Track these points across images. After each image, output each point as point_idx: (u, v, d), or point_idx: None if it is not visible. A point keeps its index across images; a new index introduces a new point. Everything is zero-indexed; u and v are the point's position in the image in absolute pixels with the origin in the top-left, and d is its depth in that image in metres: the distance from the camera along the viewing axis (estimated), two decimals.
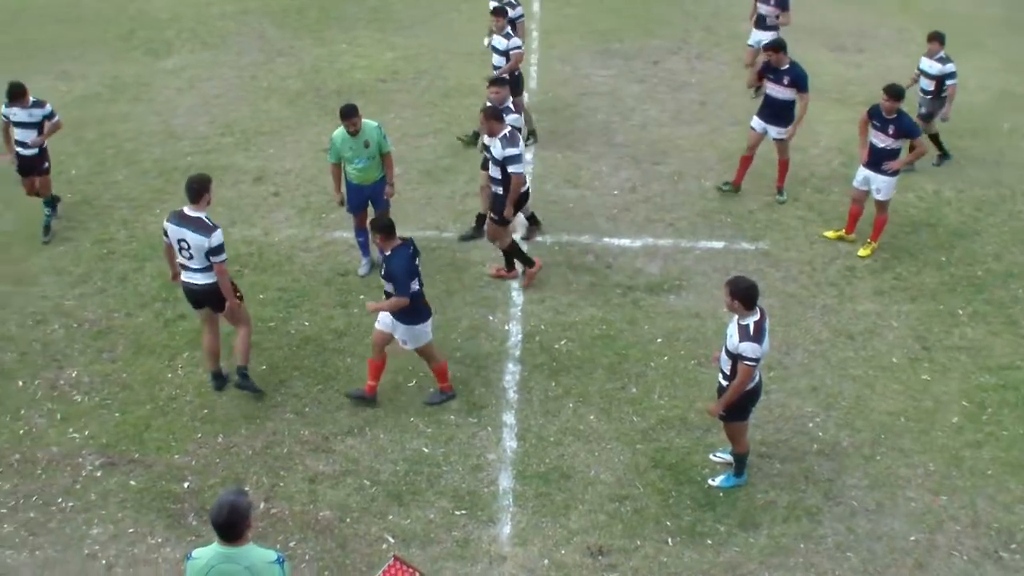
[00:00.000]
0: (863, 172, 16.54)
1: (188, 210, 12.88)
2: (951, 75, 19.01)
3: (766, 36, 21.03)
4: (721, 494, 12.12)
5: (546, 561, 11.29)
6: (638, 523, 11.76)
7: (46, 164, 17.26)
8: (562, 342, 14.74)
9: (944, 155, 20.00)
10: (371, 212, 15.72)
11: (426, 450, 12.83)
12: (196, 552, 7.95)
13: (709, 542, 11.53)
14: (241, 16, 28.05)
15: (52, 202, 17.56)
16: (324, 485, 12.28)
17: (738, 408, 11.65)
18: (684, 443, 12.89)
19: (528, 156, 16.86)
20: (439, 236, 17.31)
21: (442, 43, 25.76)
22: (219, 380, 13.96)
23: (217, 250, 12.78)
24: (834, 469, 12.53)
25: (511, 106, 16.40)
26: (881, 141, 16.25)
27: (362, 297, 15.66)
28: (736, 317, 11.23)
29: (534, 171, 19.46)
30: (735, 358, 11.21)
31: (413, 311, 12.98)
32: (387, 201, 16.12)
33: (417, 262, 13.03)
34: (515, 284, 15.99)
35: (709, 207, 18.17)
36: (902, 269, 16.42)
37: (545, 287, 15.93)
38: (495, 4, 20.00)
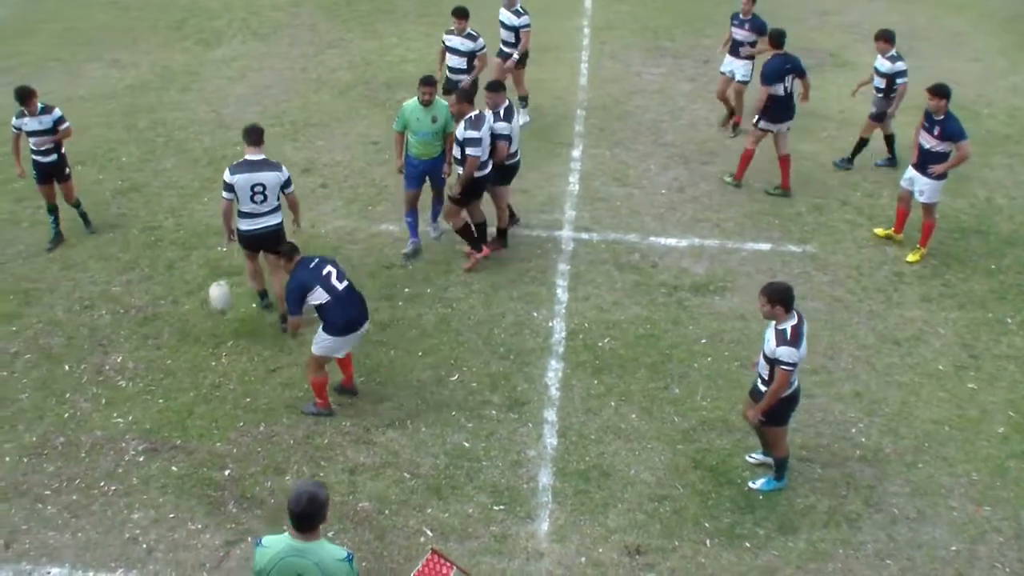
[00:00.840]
0: (910, 172, 16.45)
1: (252, 155, 14.07)
2: (901, 73, 18.82)
3: (740, 65, 20.47)
4: (761, 497, 12.06)
5: (583, 559, 11.27)
6: (677, 524, 11.72)
7: (67, 170, 16.81)
8: (605, 340, 14.72)
9: (892, 158, 19.86)
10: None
11: (467, 444, 12.84)
12: (267, 540, 7.94)
13: (747, 545, 11.48)
14: (292, 7, 28.14)
15: (79, 203, 17.25)
16: (364, 476, 12.31)
17: (778, 414, 11.59)
18: (725, 445, 12.84)
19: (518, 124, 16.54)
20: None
21: (491, 38, 25.73)
22: (265, 298, 15.27)
23: (288, 182, 14.28)
24: (876, 475, 12.45)
25: (500, 112, 16.10)
26: (927, 142, 16.13)
27: (407, 290, 15.69)
28: (773, 322, 11.18)
29: (581, 168, 19.46)
30: (772, 363, 11.16)
31: (323, 320, 12.80)
32: (443, 179, 16.69)
33: (327, 271, 12.62)
34: (560, 282, 15.98)
35: (756, 208, 18.08)
36: (951, 276, 16.28)
37: (590, 285, 15.91)
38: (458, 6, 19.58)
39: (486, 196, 16.37)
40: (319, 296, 12.48)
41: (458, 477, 12.33)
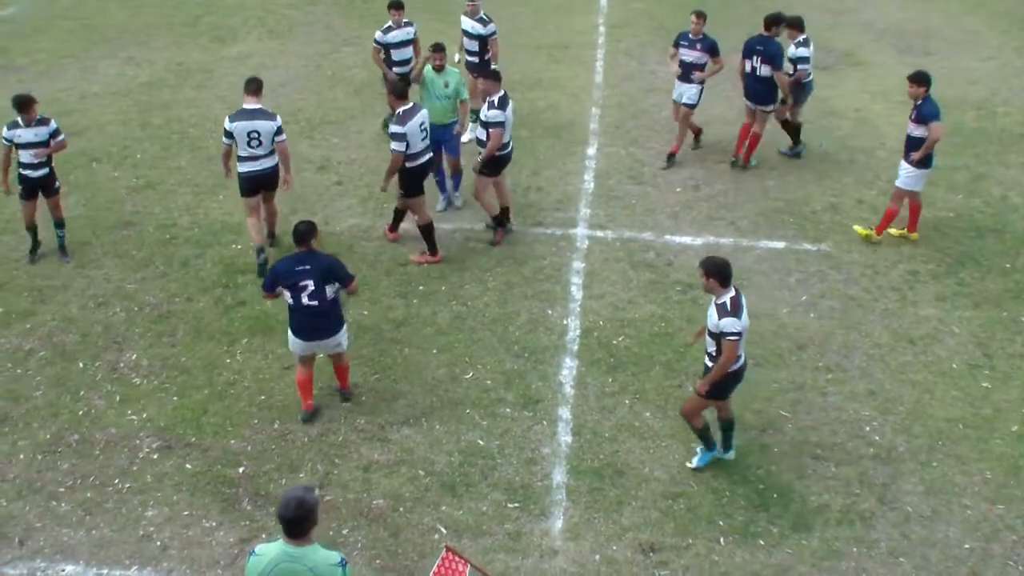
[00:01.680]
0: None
1: (250, 104, 15.57)
2: (803, 59, 19.15)
3: (690, 89, 19.27)
4: (775, 495, 12.05)
5: (597, 557, 11.27)
6: (691, 521, 11.71)
7: (57, 184, 16.26)
8: (620, 338, 14.72)
9: (796, 145, 20.16)
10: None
11: (481, 442, 12.84)
12: (260, 548, 7.96)
13: (761, 543, 11.47)
14: (308, 5, 28.23)
15: (63, 223, 16.59)
16: (378, 474, 12.32)
17: (721, 387, 11.84)
18: (739, 443, 12.81)
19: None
20: None
21: (507, 36, 25.71)
22: (262, 253, 16.04)
23: (280, 130, 15.67)
24: (889, 474, 12.43)
25: (494, 100, 16.25)
26: (909, 128, 16.50)
27: (422, 288, 15.70)
28: (713, 298, 11.51)
29: (597, 166, 19.49)
30: (718, 337, 11.42)
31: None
32: (458, 148, 17.99)
33: (303, 284, 12.40)
34: (575, 280, 15.99)
35: (771, 207, 18.06)
36: (965, 275, 16.24)
37: (605, 283, 15.91)
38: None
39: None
40: (285, 296, 12.62)
41: (472, 475, 12.34)
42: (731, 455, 12.66)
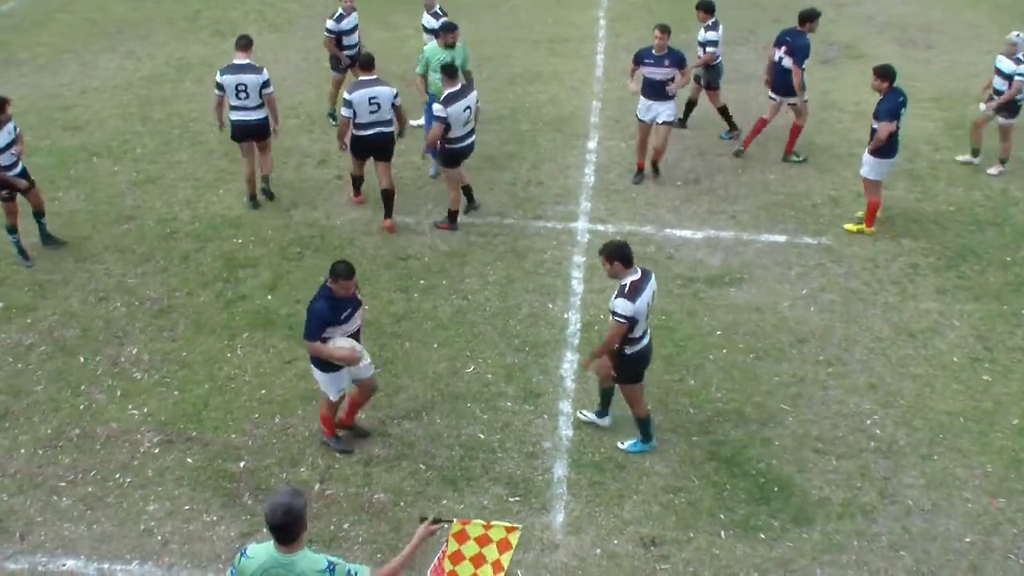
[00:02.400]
0: None
1: (239, 60, 16.92)
2: (712, 43, 19.50)
3: (668, 107, 18.16)
4: (776, 488, 12.06)
5: (598, 550, 11.27)
6: (691, 515, 11.72)
7: (31, 177, 15.99)
8: None
9: (732, 129, 20.57)
10: None
11: (482, 436, 12.85)
12: (251, 550, 7.85)
13: (762, 536, 11.47)
14: None
15: (44, 214, 16.54)
16: (379, 468, 12.32)
17: (627, 370, 11.99)
18: (740, 436, 12.83)
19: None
20: (500, 222, 17.34)
21: (507, 31, 25.81)
22: (254, 201, 17.77)
23: (267, 83, 17.02)
24: (890, 467, 12.43)
25: (447, 92, 16.41)
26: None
27: (422, 282, 15.71)
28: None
29: (597, 160, 19.49)
30: (612, 314, 11.58)
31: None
32: None
33: (345, 315, 11.65)
34: (576, 274, 15.99)
35: (772, 200, 18.06)
36: (966, 268, 16.24)
37: (605, 277, 15.84)
38: None
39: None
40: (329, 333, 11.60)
41: (473, 469, 12.34)
42: (607, 421, 12.99)
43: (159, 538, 11.39)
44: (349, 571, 7.78)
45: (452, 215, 17.20)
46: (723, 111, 20.26)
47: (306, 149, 19.80)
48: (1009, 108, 18.54)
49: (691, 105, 20.56)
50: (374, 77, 16.61)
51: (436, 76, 17.66)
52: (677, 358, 14.21)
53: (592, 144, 20.19)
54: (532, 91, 22.43)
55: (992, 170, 19.18)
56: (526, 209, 17.73)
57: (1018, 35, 18.40)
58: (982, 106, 19.09)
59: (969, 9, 27.90)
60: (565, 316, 15.05)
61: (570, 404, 13.36)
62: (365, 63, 16.86)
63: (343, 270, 11.27)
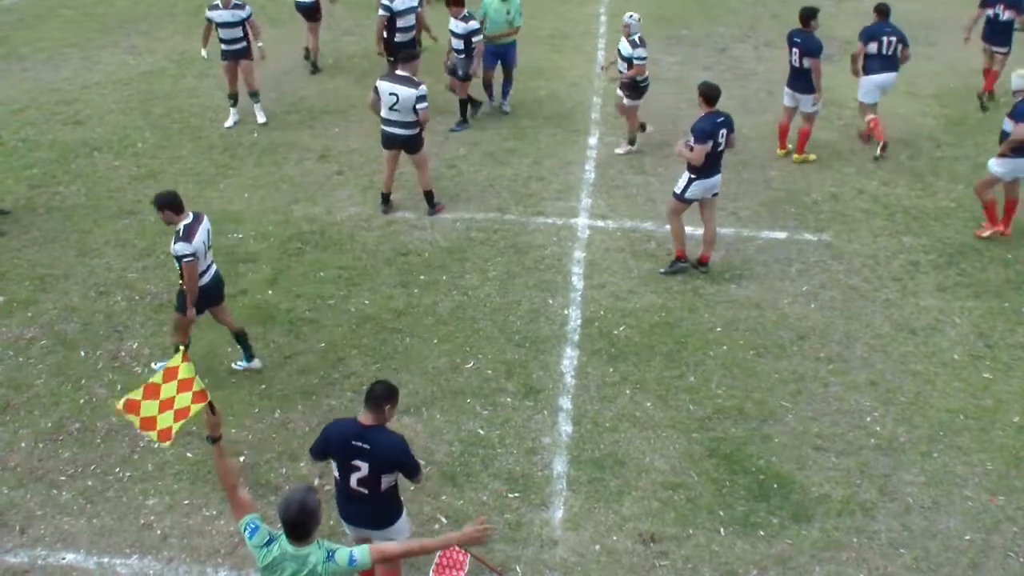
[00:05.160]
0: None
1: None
2: (475, 32, 19.85)
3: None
4: (775, 485, 12.05)
5: (597, 547, 11.27)
6: (691, 512, 11.71)
7: None
8: (621, 328, 14.71)
9: (476, 104, 21.30)
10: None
11: (481, 432, 12.84)
12: (275, 532, 7.87)
13: (761, 533, 11.47)
14: None
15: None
16: None
17: (182, 301, 12.97)
18: (740, 433, 12.83)
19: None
20: (501, 218, 17.34)
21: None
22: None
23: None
24: (890, 465, 12.42)
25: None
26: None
27: (423, 277, 15.71)
28: None
29: (598, 156, 19.51)
30: (177, 260, 12.60)
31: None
32: (513, 63, 21.26)
33: (357, 444, 9.39)
34: (576, 270, 15.99)
35: (773, 197, 18.05)
36: (967, 265, 16.23)
37: (606, 272, 15.90)
38: None
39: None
40: (332, 466, 9.71)
41: (473, 464, 12.34)
42: (256, 363, 13.91)
43: (159, 532, 11.39)
44: (351, 555, 7.77)
45: (429, 195, 17.63)
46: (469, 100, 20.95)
47: (307, 144, 19.80)
48: (631, 88, 19.03)
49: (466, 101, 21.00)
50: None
51: (491, 25, 20.30)
52: (677, 354, 14.20)
53: (593, 140, 20.19)
54: (533, 86, 22.43)
55: (619, 149, 19.85)
56: (526, 205, 17.73)
57: (630, 16, 18.89)
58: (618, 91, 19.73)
59: (971, 6, 27.81)
60: (565, 312, 15.05)
61: (570, 400, 13.35)
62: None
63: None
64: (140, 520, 11.55)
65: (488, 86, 21.29)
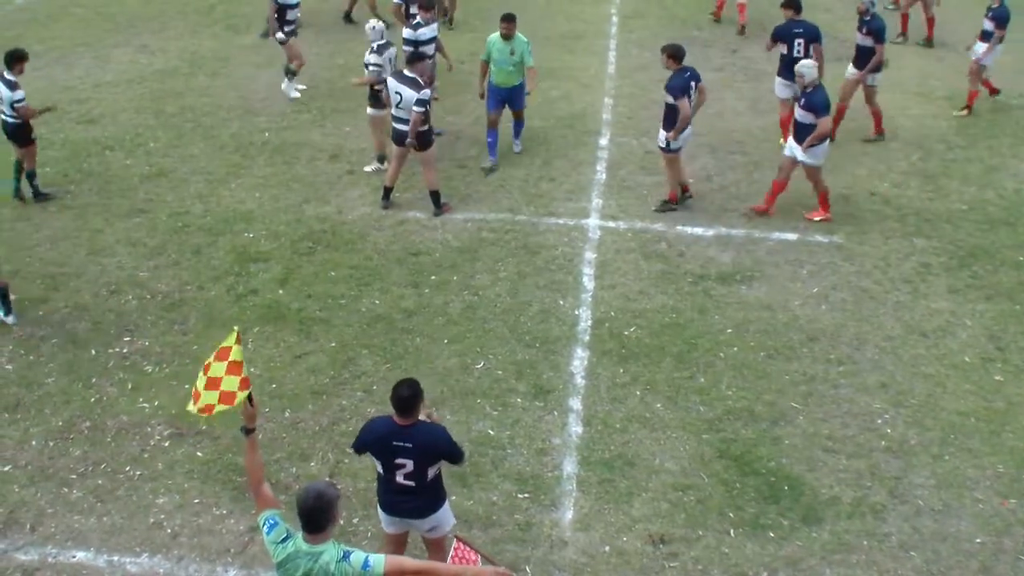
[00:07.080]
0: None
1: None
2: (429, 41, 19.51)
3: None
4: (786, 487, 12.02)
5: (607, 548, 11.26)
6: (701, 513, 11.70)
7: None
8: (631, 329, 14.70)
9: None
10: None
11: (492, 432, 12.84)
12: (292, 529, 7.90)
13: (771, 535, 11.45)
14: None
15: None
16: None
17: None
18: (750, 435, 12.81)
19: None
20: (512, 219, 17.34)
21: (520, 27, 25.69)
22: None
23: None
24: (901, 467, 12.40)
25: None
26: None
27: (433, 277, 15.71)
28: None
29: (609, 156, 19.52)
30: None
31: None
32: (522, 104, 19.50)
33: (398, 445, 9.50)
34: (587, 270, 15.99)
35: (784, 198, 17.99)
36: (978, 267, 16.20)
37: (616, 273, 15.90)
38: None
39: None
40: (375, 463, 9.81)
41: (483, 465, 12.33)
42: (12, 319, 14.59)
43: (169, 531, 11.40)
44: (366, 560, 7.76)
45: (435, 195, 17.64)
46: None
47: (318, 144, 19.83)
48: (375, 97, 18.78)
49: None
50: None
51: (496, 67, 18.83)
52: (688, 355, 14.19)
53: (604, 141, 20.19)
54: (544, 87, 22.40)
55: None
56: (538, 206, 17.74)
57: (371, 24, 19.05)
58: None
59: (981, 8, 27.73)
60: (576, 313, 15.04)
61: (580, 401, 13.35)
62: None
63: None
64: (150, 519, 11.56)
65: (492, 131, 19.26)
